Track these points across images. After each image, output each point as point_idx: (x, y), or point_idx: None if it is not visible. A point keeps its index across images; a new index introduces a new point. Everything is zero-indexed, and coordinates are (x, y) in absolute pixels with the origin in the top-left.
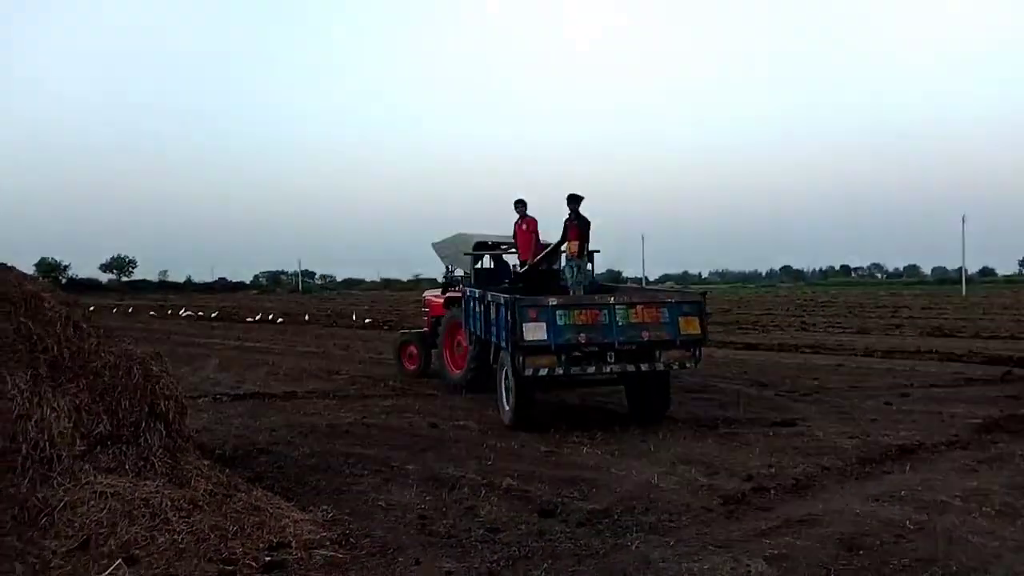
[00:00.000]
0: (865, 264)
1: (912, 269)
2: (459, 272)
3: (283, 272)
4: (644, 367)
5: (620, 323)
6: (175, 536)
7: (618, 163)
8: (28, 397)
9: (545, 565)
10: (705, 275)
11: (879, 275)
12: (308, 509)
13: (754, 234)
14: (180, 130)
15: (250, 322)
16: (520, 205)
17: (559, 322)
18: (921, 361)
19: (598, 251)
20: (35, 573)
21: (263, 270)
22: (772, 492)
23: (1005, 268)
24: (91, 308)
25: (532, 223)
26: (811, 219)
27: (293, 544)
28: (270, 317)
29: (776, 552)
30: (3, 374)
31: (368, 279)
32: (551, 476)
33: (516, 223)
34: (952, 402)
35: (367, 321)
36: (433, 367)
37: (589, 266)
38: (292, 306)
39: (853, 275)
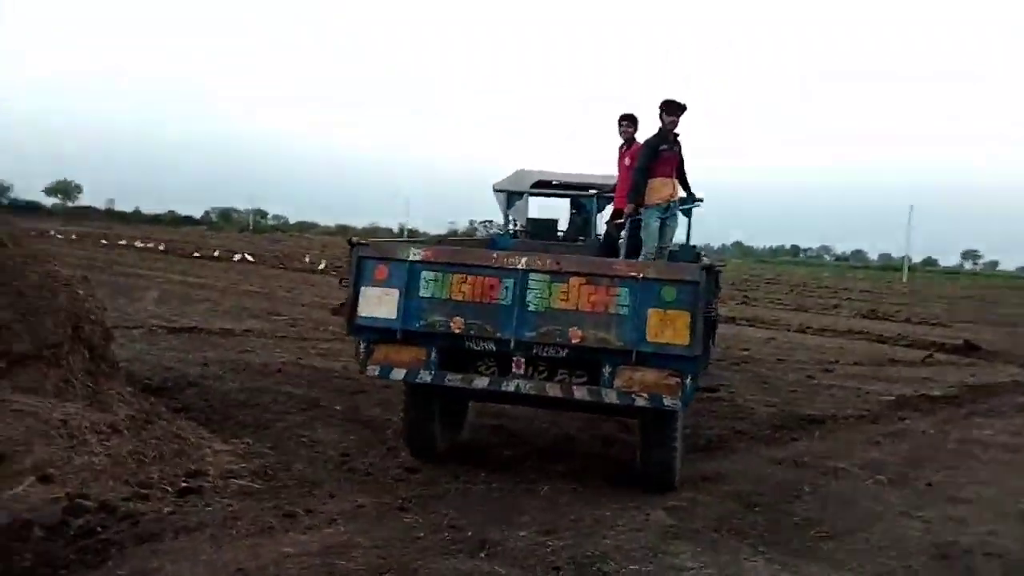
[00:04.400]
0: (814, 246)
1: (859, 254)
2: (518, 222)
3: (234, 209)
4: (579, 394)
5: (532, 306)
6: (92, 458)
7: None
8: None
9: (456, 503)
10: None
11: (827, 257)
12: (230, 441)
13: (708, 209)
14: (135, 55)
15: (197, 257)
16: (627, 124)
17: (423, 291)
18: (850, 340)
19: (701, 200)
20: None
21: (214, 205)
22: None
23: (948, 260)
24: (32, 233)
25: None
26: (765, 198)
27: (211, 472)
28: (238, 257)
29: (677, 504)
30: None
31: (323, 223)
32: (477, 424)
33: (620, 152)
34: (871, 380)
35: (321, 267)
36: None
37: (680, 220)
38: (240, 244)
39: (802, 255)
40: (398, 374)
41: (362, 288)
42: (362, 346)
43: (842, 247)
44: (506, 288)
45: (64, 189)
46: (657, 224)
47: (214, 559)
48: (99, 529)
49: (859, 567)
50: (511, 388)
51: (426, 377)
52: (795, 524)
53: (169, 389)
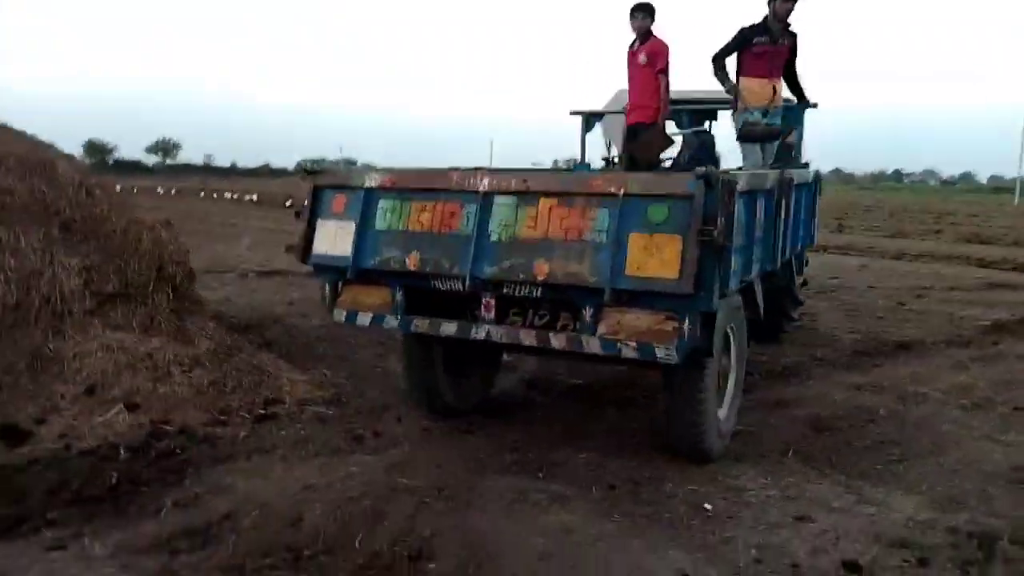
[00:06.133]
0: (919, 170)
1: (967, 176)
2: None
3: (325, 159)
4: (557, 343)
5: (495, 236)
6: (175, 388)
7: None
8: (41, 255)
9: (521, 427)
10: None
11: (932, 182)
12: (308, 372)
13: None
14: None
15: (289, 207)
16: (642, 15)
17: (380, 223)
18: (949, 265)
19: (815, 105)
20: (45, 413)
21: (306, 156)
22: (758, 376)
23: None
24: (135, 190)
25: (658, 50)
26: (865, 121)
27: (287, 401)
28: None
29: (744, 429)
30: (17, 232)
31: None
32: None
33: (629, 52)
34: (967, 304)
35: None
36: None
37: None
38: None
39: (905, 180)
40: (364, 319)
41: (319, 221)
42: (327, 288)
43: (949, 171)
44: (467, 215)
45: (164, 147)
46: (745, 128)
47: (284, 476)
48: (179, 451)
49: (929, 489)
50: (481, 335)
51: (392, 322)
52: (866, 448)
53: (255, 326)
